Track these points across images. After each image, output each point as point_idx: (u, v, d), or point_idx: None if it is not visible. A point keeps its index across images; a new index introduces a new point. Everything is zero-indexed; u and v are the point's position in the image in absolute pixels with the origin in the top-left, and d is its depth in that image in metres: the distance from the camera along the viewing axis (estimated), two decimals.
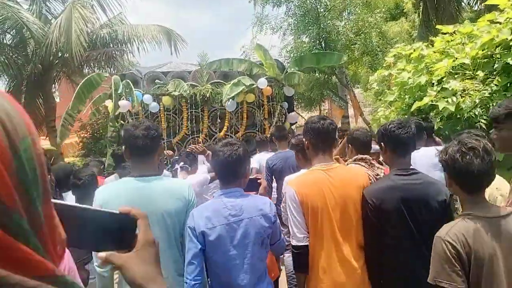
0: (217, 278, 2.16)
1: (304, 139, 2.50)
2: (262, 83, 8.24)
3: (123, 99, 7.86)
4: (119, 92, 7.87)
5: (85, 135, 14.29)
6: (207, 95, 8.16)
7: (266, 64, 8.77)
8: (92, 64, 13.37)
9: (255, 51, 9.80)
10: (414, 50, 5.17)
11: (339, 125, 10.84)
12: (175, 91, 8.00)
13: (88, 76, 8.77)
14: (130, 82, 7.91)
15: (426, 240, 2.08)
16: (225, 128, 8.34)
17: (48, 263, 0.45)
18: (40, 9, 12.45)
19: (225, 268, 2.11)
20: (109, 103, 7.97)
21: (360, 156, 3.14)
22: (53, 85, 13.56)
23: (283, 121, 8.71)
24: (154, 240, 0.77)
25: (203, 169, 4.51)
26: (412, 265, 2.21)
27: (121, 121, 8.09)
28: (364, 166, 3.09)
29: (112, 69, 13.67)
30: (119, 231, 0.74)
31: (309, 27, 10.07)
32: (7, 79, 12.55)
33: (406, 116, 4.94)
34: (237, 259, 2.11)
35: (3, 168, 0.42)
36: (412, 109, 4.71)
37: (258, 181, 2.82)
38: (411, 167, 2.44)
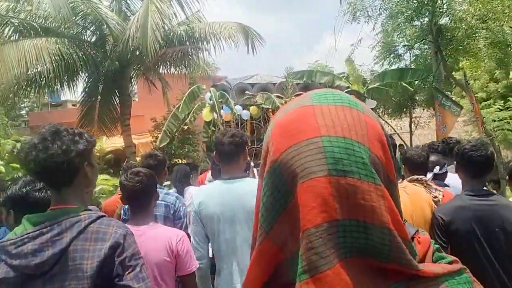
0: None
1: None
2: None
3: (221, 108, 8.61)
4: (212, 101, 8.62)
5: (159, 135, 13.97)
6: None
7: (353, 78, 8.99)
8: (168, 62, 12.99)
9: (345, 64, 9.94)
10: None
11: (449, 134, 9.13)
12: (264, 103, 8.56)
13: (190, 88, 9.81)
14: (226, 93, 8.74)
15: (505, 266, 2.08)
16: None
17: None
18: (120, 5, 12.28)
19: None
20: (204, 111, 8.89)
21: (415, 176, 2.94)
22: (130, 84, 13.37)
23: None
24: None
25: None
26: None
27: (213, 128, 8.93)
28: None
29: (187, 69, 13.21)
30: None
31: (420, 12, 8.40)
32: (85, 76, 12.52)
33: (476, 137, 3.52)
34: None
35: (389, 157, 0.60)
36: None
37: None
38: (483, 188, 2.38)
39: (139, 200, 2.33)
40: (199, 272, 2.43)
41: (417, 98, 14.19)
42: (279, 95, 8.91)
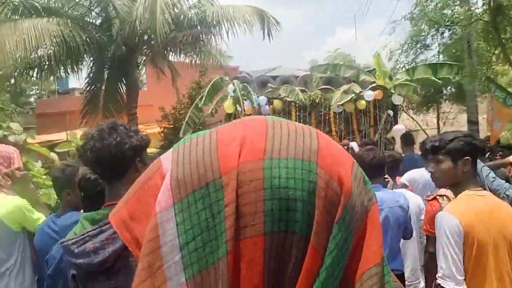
0: None
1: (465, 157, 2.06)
2: (369, 95, 8.27)
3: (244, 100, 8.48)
4: (235, 94, 8.46)
5: (166, 125, 13.23)
6: (317, 100, 8.43)
7: (379, 72, 8.66)
8: (177, 48, 12.24)
9: (372, 58, 9.59)
10: None
11: (500, 134, 8.03)
12: (287, 96, 8.36)
13: (214, 80, 9.41)
14: (248, 86, 8.44)
15: None
16: (334, 133, 8.47)
17: None
18: None
19: None
20: (226, 103, 8.75)
21: (443, 190, 2.65)
22: (137, 70, 12.65)
23: (387, 129, 8.74)
24: None
25: None
26: None
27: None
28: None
29: (198, 56, 12.46)
30: None
31: None
32: (89, 60, 11.80)
33: None
34: None
35: None
36: None
37: (386, 180, 3.13)
38: None
39: None
40: None
41: (444, 91, 13.21)
42: (303, 88, 8.56)
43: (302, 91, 8.58)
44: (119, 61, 11.38)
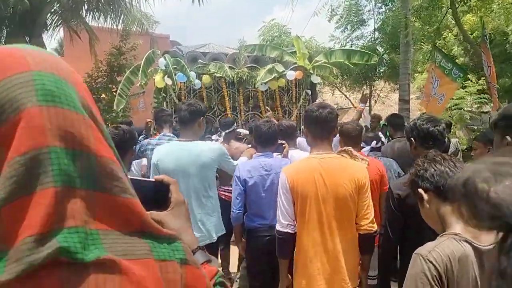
0: (252, 210, 3.20)
1: (304, 127, 2.83)
2: (291, 75, 8.88)
3: (175, 74, 8.56)
4: (168, 68, 8.39)
5: None
6: (244, 77, 8.81)
7: (299, 54, 9.22)
8: (94, 8, 10.81)
9: (293, 40, 10.17)
10: None
11: (444, 108, 7.51)
12: (216, 72, 8.67)
13: (147, 53, 9.26)
14: (181, 60, 8.54)
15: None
16: (263, 108, 8.96)
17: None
18: None
19: (257, 204, 3.14)
20: (157, 78, 8.85)
21: (343, 148, 3.11)
22: (45, 31, 11.01)
23: (306, 106, 9.02)
24: (184, 200, 0.89)
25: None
26: None
27: (164, 94, 8.78)
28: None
29: (119, 18, 11.12)
30: (156, 194, 0.86)
31: None
32: None
33: None
34: (265, 199, 3.09)
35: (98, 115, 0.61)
36: None
37: (283, 145, 3.50)
38: None
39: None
40: None
41: (377, 69, 13.06)
42: (232, 65, 8.92)
43: (231, 68, 8.88)
44: (21, 18, 9.74)
